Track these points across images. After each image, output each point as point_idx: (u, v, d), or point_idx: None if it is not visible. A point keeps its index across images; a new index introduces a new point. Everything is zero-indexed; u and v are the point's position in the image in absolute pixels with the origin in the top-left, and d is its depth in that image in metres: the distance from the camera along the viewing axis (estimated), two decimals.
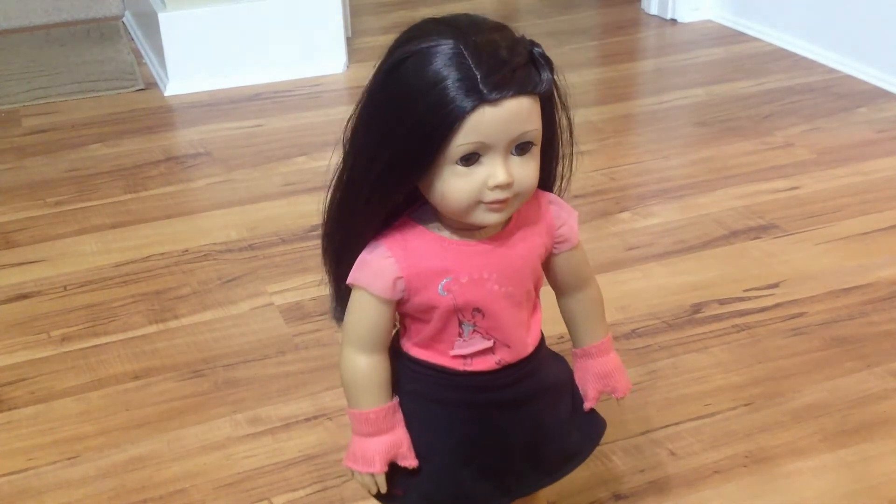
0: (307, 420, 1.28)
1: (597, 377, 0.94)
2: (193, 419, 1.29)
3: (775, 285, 1.54)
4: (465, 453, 0.88)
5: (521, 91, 0.75)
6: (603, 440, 1.20)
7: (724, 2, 2.81)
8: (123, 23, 2.99)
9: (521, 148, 0.78)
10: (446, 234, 0.83)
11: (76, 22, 3.02)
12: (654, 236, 1.70)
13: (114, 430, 1.28)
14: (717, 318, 1.47)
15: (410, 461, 0.87)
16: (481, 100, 0.74)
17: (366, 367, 0.86)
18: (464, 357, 0.85)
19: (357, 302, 0.85)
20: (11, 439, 1.27)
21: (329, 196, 0.89)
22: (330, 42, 2.53)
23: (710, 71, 2.47)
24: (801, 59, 2.50)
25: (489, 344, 0.85)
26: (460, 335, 0.84)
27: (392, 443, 0.86)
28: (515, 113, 0.75)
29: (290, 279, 1.60)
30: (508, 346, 0.86)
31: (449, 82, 0.74)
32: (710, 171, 1.92)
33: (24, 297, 1.58)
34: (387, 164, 0.78)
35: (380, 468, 0.86)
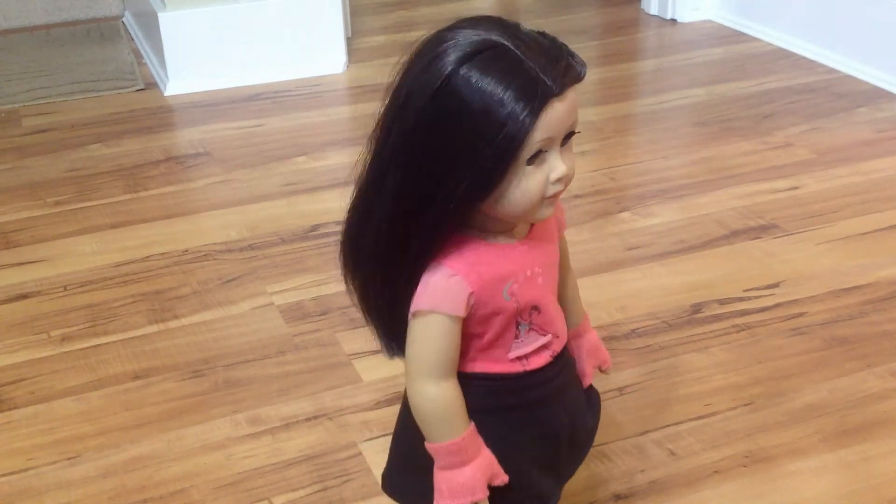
0: (307, 420, 1.28)
1: (589, 353, 0.96)
2: (193, 419, 1.29)
3: (775, 285, 1.54)
4: (532, 453, 0.87)
5: (575, 80, 0.75)
6: (603, 440, 1.21)
7: (724, 2, 2.81)
8: (123, 23, 2.99)
9: (567, 137, 0.77)
10: (492, 238, 0.81)
11: (76, 22, 3.02)
12: (654, 236, 1.70)
13: (114, 430, 1.28)
14: (717, 318, 1.47)
15: (502, 478, 0.85)
16: (551, 95, 0.73)
17: (445, 394, 0.82)
18: (521, 358, 0.84)
19: (427, 329, 0.80)
20: (11, 439, 1.27)
21: (363, 237, 0.81)
22: (330, 42, 2.53)
23: (710, 71, 2.47)
24: (801, 59, 2.50)
25: (548, 339, 0.85)
26: (517, 337, 0.84)
27: (485, 464, 0.84)
28: (572, 103, 0.75)
29: (290, 279, 1.60)
30: (558, 337, 0.87)
31: (518, 84, 0.72)
32: (710, 171, 1.92)
33: (24, 297, 1.58)
34: (466, 183, 0.74)
35: (482, 494, 0.83)
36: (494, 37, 0.74)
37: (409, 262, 0.79)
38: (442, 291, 0.79)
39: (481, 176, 0.74)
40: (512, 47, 0.73)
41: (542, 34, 0.76)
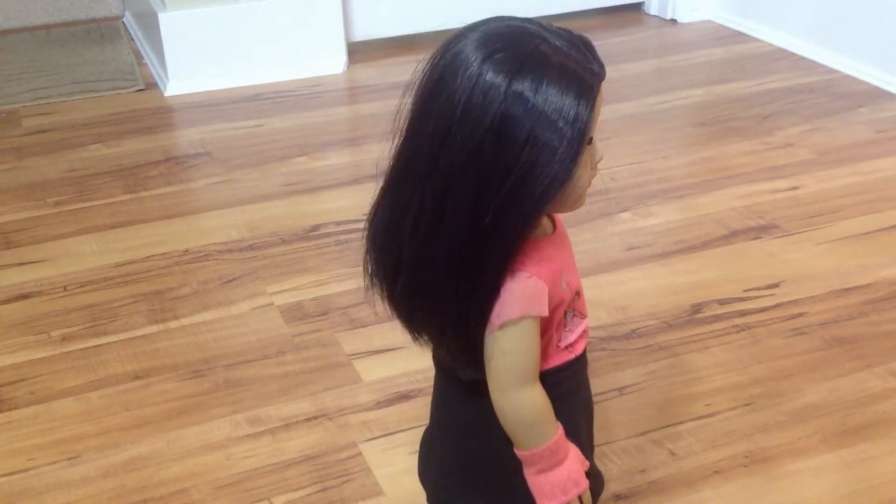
0: (307, 420, 1.28)
1: None
2: (193, 419, 1.29)
3: (775, 285, 1.54)
4: (587, 434, 0.90)
5: (602, 66, 0.77)
6: (603, 440, 1.20)
7: (724, 2, 2.81)
8: (123, 23, 2.99)
9: None
10: (539, 234, 0.81)
11: (76, 22, 3.02)
12: (654, 236, 1.70)
13: (114, 430, 1.28)
14: (717, 318, 1.47)
15: (586, 463, 0.86)
16: (600, 78, 0.75)
17: (540, 396, 0.82)
18: (570, 345, 0.85)
19: (522, 335, 0.79)
20: (11, 439, 1.27)
21: (426, 265, 0.77)
22: (330, 42, 2.53)
23: (710, 71, 2.47)
24: (801, 59, 2.50)
25: (586, 322, 0.86)
26: (565, 325, 0.84)
27: (576, 454, 0.85)
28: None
29: (290, 279, 1.60)
30: (586, 317, 0.87)
31: (574, 75, 0.73)
32: (710, 171, 1.92)
33: (24, 297, 1.58)
34: (547, 181, 0.73)
35: (585, 482, 0.84)
36: (537, 38, 0.74)
37: (491, 276, 0.76)
38: (528, 295, 0.78)
39: (561, 170, 0.73)
40: (554, 41, 0.74)
41: (556, 27, 0.77)
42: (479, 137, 0.72)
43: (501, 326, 0.77)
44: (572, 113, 0.72)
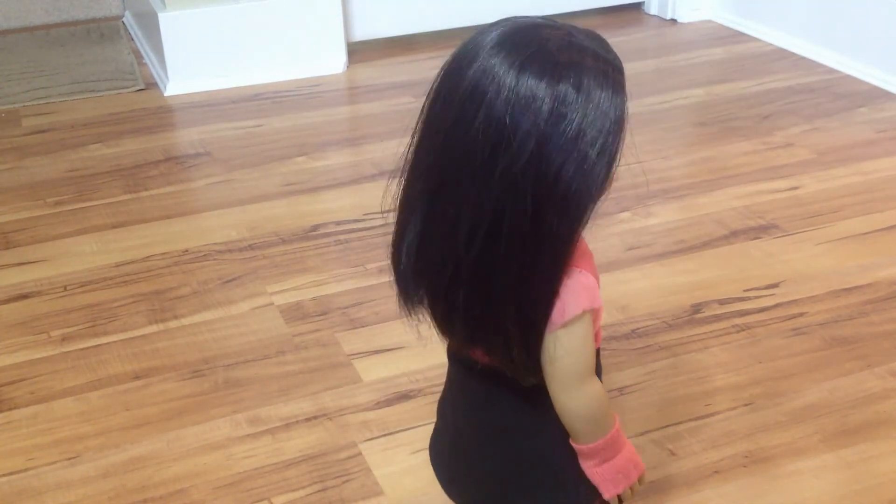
0: (307, 420, 1.28)
1: None
2: (193, 419, 1.29)
3: (775, 285, 1.54)
4: None
5: None
6: None
7: (724, 2, 2.81)
8: (123, 23, 2.99)
9: None
10: None
11: (76, 22, 3.02)
12: (654, 236, 1.70)
13: (114, 430, 1.28)
14: (717, 318, 1.47)
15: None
16: (623, 71, 0.77)
17: (600, 388, 0.82)
18: (597, 333, 0.85)
19: (584, 330, 0.79)
20: (11, 439, 1.27)
21: (492, 275, 0.76)
22: (330, 42, 2.53)
23: (710, 71, 2.47)
24: (801, 59, 2.50)
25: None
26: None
27: (626, 437, 0.87)
28: None
29: (290, 279, 1.60)
30: None
31: (610, 68, 0.75)
32: (710, 171, 1.92)
33: (24, 297, 1.58)
34: (601, 179, 0.74)
35: (642, 464, 0.86)
36: (557, 30, 0.75)
37: (554, 278, 0.76)
38: (585, 290, 0.78)
39: (609, 165, 0.75)
40: (580, 38, 0.76)
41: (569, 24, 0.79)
42: (532, 144, 0.71)
43: (564, 325, 0.77)
44: (613, 108, 0.73)
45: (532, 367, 0.79)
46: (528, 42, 0.74)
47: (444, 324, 0.81)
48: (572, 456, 0.85)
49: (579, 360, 0.80)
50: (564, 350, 0.78)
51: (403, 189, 0.80)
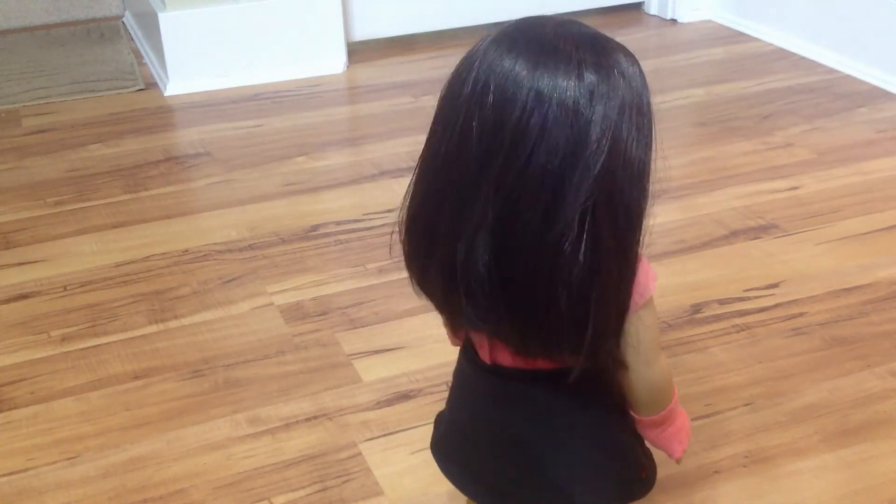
0: (307, 420, 1.28)
1: None
2: (193, 419, 1.29)
3: (775, 285, 1.54)
4: None
5: None
6: None
7: (724, 2, 2.81)
8: (123, 23, 2.99)
9: None
10: None
11: (76, 22, 3.02)
12: (654, 236, 1.68)
13: (114, 430, 1.28)
14: (717, 318, 1.47)
15: None
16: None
17: (665, 357, 0.88)
18: None
19: (652, 308, 0.83)
20: (11, 439, 1.27)
21: (590, 275, 0.75)
22: (330, 42, 2.53)
23: (710, 71, 2.47)
24: (801, 59, 2.50)
25: None
26: None
27: None
28: None
29: (290, 279, 1.60)
30: None
31: (629, 57, 0.79)
32: (710, 171, 1.92)
33: (24, 297, 1.58)
34: (652, 159, 0.79)
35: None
36: (565, 26, 0.76)
37: (636, 263, 0.80)
38: (649, 269, 0.82)
39: (651, 130, 0.79)
40: (594, 31, 0.77)
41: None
42: (605, 146, 0.72)
43: (646, 304, 0.81)
44: (644, 91, 0.77)
45: (618, 355, 0.81)
46: (548, 49, 0.74)
47: (528, 341, 0.79)
48: (631, 433, 0.88)
49: (655, 335, 0.83)
50: (644, 327, 0.81)
51: (442, 212, 0.77)
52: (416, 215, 0.80)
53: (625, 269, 0.77)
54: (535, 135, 0.71)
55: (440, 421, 0.98)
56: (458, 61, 0.78)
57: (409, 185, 0.82)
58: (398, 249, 0.85)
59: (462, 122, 0.74)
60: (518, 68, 0.72)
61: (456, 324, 0.84)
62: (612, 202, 0.74)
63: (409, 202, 0.81)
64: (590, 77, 0.72)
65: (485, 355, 0.86)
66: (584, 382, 0.82)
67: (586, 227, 0.73)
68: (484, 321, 0.78)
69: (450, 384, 0.97)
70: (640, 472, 0.92)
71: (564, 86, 0.72)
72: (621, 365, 0.83)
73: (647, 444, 0.93)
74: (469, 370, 0.90)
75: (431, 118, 0.79)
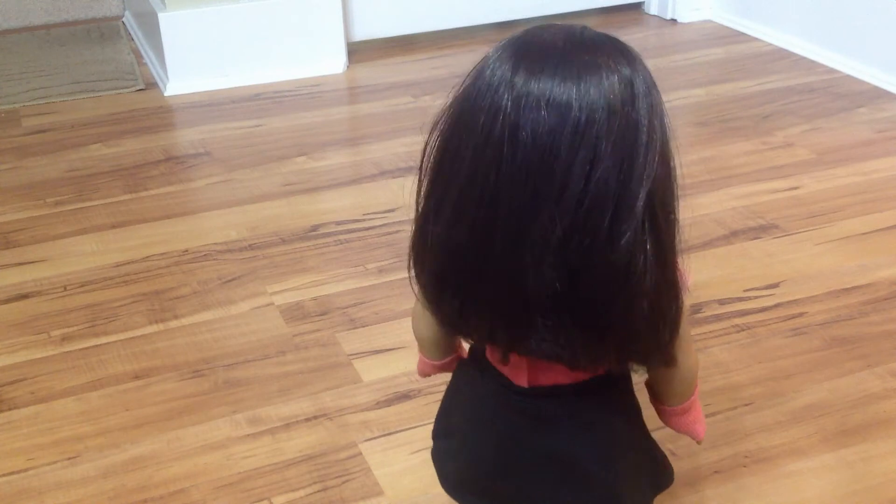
0: (307, 420, 1.28)
1: None
2: (193, 419, 1.29)
3: (775, 285, 1.54)
4: None
5: None
6: None
7: (724, 2, 2.81)
8: (123, 23, 2.99)
9: None
10: None
11: (76, 22, 3.02)
12: None
13: (114, 430, 1.28)
14: (717, 318, 1.47)
15: None
16: None
17: None
18: None
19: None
20: (11, 439, 1.27)
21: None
22: (330, 42, 2.53)
23: (710, 71, 2.47)
24: (801, 59, 2.50)
25: None
26: None
27: None
28: None
29: (290, 279, 1.60)
30: None
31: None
32: (710, 171, 1.92)
33: (24, 297, 1.58)
34: None
35: None
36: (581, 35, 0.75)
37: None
38: (681, 264, 0.81)
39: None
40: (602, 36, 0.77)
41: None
42: (654, 149, 0.71)
43: (688, 290, 0.81)
44: (655, 87, 0.75)
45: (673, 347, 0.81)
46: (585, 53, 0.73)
47: (586, 353, 0.78)
48: (647, 433, 0.91)
49: (688, 325, 0.83)
50: (682, 317, 0.80)
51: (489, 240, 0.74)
52: (454, 251, 0.76)
53: (676, 267, 0.78)
54: (592, 154, 0.70)
55: (443, 456, 0.94)
56: (468, 87, 0.74)
57: (421, 226, 0.79)
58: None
59: (506, 151, 0.71)
60: (557, 89, 0.70)
61: (513, 351, 0.81)
62: (662, 203, 0.73)
63: (436, 242, 0.77)
64: (625, 82, 0.72)
65: (522, 379, 0.84)
66: (610, 389, 0.84)
67: (647, 231, 0.72)
68: (554, 342, 0.76)
69: (447, 421, 0.93)
70: (665, 466, 0.95)
71: (607, 97, 0.70)
72: (674, 360, 0.82)
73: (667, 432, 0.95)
74: (491, 400, 0.87)
75: (440, 128, 0.76)
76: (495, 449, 0.88)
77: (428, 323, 0.90)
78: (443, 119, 0.75)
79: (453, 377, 0.95)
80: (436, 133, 0.76)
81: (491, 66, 0.73)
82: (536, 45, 0.73)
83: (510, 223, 0.72)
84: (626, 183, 0.70)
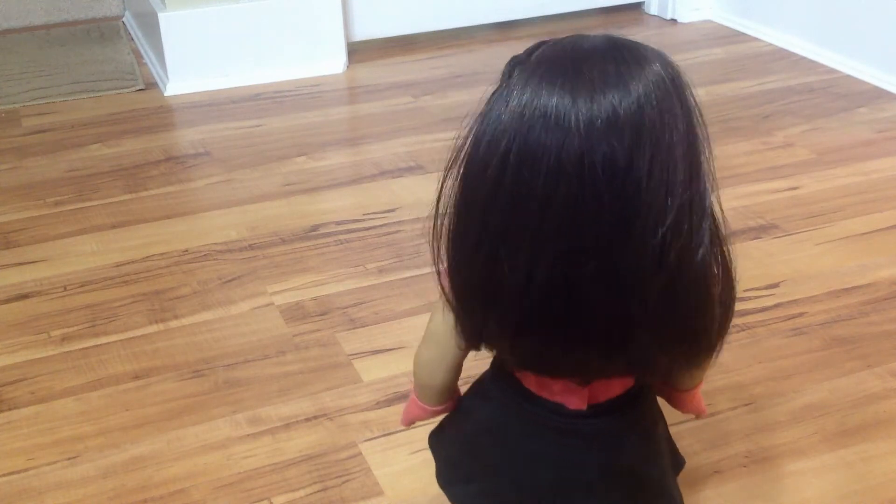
0: (307, 420, 1.28)
1: None
2: (193, 419, 1.29)
3: (775, 285, 1.54)
4: None
5: None
6: None
7: (724, 2, 2.81)
8: (123, 23, 2.99)
9: None
10: None
11: (76, 22, 3.02)
12: None
13: (114, 430, 1.28)
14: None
15: None
16: None
17: None
18: None
19: None
20: (11, 439, 1.27)
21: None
22: (330, 42, 2.53)
23: (710, 71, 2.47)
24: (801, 59, 2.50)
25: None
26: None
27: None
28: None
29: (290, 279, 1.60)
30: None
31: None
32: None
33: (24, 297, 1.58)
34: None
35: None
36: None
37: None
38: None
39: None
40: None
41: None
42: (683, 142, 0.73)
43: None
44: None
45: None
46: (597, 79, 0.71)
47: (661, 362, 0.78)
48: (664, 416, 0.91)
49: None
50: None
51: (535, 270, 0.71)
52: (535, 296, 0.72)
53: (729, 258, 0.80)
54: (644, 172, 0.69)
55: (477, 499, 0.91)
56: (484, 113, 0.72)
57: (456, 262, 0.76)
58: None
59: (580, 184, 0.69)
60: (597, 110, 0.68)
61: (602, 377, 0.80)
62: (702, 199, 0.73)
63: (511, 291, 0.73)
64: (662, 82, 0.73)
65: (578, 401, 0.82)
66: (646, 387, 0.86)
67: (702, 229, 0.73)
68: (639, 361, 0.76)
69: (469, 467, 0.91)
70: (676, 447, 0.97)
71: (657, 103, 0.71)
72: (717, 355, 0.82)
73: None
74: (540, 429, 0.84)
75: (457, 140, 0.74)
76: (555, 478, 0.85)
77: (444, 367, 0.88)
78: (493, 164, 0.70)
79: (466, 422, 0.91)
80: (481, 181, 0.71)
81: (514, 96, 0.70)
82: (567, 65, 0.70)
83: (598, 254, 0.70)
84: (670, 188, 0.69)
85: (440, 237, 0.76)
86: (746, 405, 1.28)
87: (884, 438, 1.22)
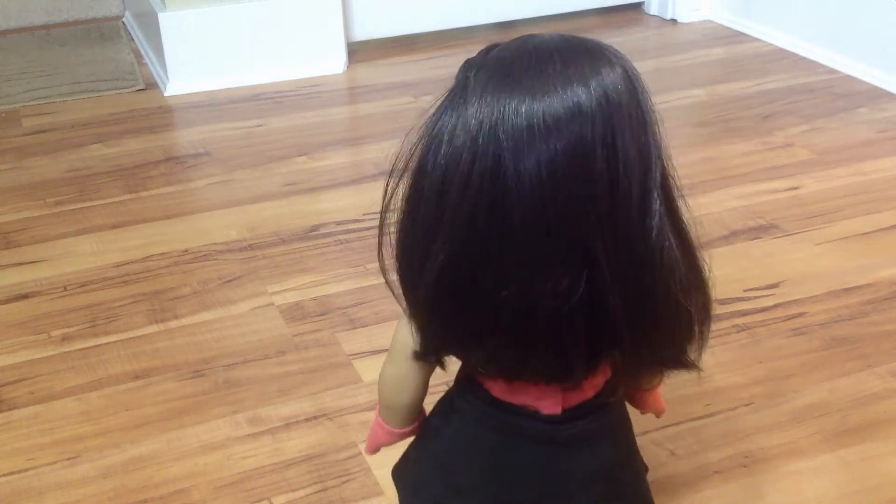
0: (307, 420, 1.28)
1: None
2: (193, 419, 1.29)
3: (775, 285, 1.54)
4: None
5: None
6: None
7: (724, 2, 2.81)
8: (123, 23, 2.99)
9: None
10: None
11: (76, 22, 3.02)
12: None
13: (114, 430, 1.28)
14: (717, 318, 1.45)
15: None
16: None
17: None
18: None
19: None
20: (11, 439, 1.27)
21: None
22: (330, 42, 2.53)
23: (710, 71, 2.47)
24: (801, 59, 2.50)
25: None
26: None
27: None
28: None
29: (290, 279, 1.60)
30: None
31: None
32: (710, 171, 1.92)
33: (24, 297, 1.58)
34: None
35: None
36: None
37: None
38: None
39: None
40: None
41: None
42: (659, 141, 0.75)
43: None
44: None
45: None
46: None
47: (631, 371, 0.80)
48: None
49: None
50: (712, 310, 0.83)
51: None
52: (481, 296, 0.71)
53: (698, 253, 0.82)
54: (620, 170, 0.71)
55: None
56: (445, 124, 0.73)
57: (436, 285, 0.74)
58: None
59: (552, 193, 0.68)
60: (556, 110, 0.69)
61: (573, 379, 0.79)
62: (667, 185, 0.76)
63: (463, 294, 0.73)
64: (612, 86, 0.73)
65: (552, 406, 0.80)
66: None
67: (665, 214, 0.75)
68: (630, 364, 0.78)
69: (449, 483, 0.89)
70: (643, 459, 0.95)
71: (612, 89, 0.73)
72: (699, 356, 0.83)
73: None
74: (517, 439, 0.82)
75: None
76: (536, 490, 0.84)
77: (412, 385, 0.87)
78: (453, 178, 0.70)
79: (434, 441, 0.90)
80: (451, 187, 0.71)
81: (482, 105, 0.70)
82: (515, 70, 0.70)
83: (555, 258, 0.70)
84: (645, 184, 0.72)
85: (395, 247, 0.77)
86: (746, 405, 1.28)
87: (884, 438, 1.22)
